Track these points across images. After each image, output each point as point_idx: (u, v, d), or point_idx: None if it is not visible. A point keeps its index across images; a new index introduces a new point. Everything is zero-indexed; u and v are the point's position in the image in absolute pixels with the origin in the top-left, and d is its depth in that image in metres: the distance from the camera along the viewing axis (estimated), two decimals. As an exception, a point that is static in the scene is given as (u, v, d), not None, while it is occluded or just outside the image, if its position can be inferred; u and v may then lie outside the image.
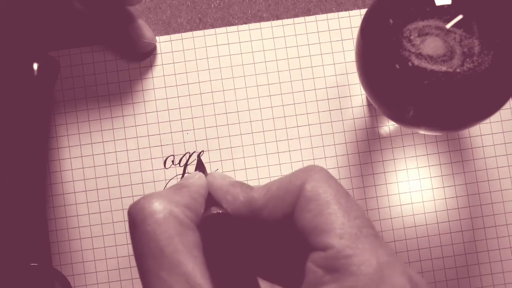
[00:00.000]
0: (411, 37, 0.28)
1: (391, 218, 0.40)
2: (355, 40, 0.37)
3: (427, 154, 0.41)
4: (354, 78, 0.41)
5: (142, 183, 0.40)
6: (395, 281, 0.23)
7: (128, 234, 0.39)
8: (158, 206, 0.25)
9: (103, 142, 0.41)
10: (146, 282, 0.24)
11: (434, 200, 0.40)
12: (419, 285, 0.24)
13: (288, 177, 0.27)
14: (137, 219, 0.25)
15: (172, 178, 0.40)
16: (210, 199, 0.29)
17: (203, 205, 0.28)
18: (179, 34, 0.41)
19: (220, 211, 0.27)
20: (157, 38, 0.41)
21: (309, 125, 0.41)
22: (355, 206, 0.26)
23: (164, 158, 0.40)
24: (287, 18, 0.42)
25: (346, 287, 0.23)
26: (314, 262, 0.24)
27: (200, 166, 0.34)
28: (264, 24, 0.42)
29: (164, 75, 0.41)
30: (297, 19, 0.42)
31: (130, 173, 0.40)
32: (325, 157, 0.40)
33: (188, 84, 0.41)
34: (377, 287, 0.23)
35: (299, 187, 0.26)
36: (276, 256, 0.28)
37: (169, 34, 0.42)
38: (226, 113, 0.41)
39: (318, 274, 0.24)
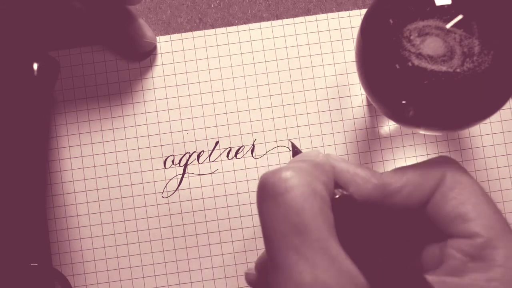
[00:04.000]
0: (411, 37, 0.28)
1: (391, 218, 0.40)
2: (355, 40, 0.37)
3: (427, 154, 0.41)
4: (354, 78, 0.41)
5: (142, 183, 0.40)
6: None
7: (128, 234, 0.39)
8: (302, 180, 0.23)
9: (103, 142, 0.41)
10: (282, 257, 0.22)
11: (434, 200, 0.40)
12: None
13: (425, 165, 0.26)
14: (277, 190, 0.23)
15: (172, 178, 0.40)
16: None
17: (333, 186, 0.26)
18: (179, 34, 0.41)
19: (345, 194, 0.25)
20: (157, 38, 0.41)
21: (309, 125, 0.41)
22: (494, 203, 0.26)
23: (164, 158, 0.40)
24: (287, 18, 0.42)
25: (492, 277, 0.23)
26: (457, 248, 0.24)
27: (295, 149, 0.32)
28: (264, 24, 0.42)
29: (164, 75, 0.41)
30: (297, 19, 0.42)
31: (130, 173, 0.40)
32: (325, 157, 0.40)
33: (188, 84, 0.41)
34: None
35: (440, 174, 0.26)
36: (398, 242, 0.27)
37: (169, 34, 0.42)
38: (226, 113, 0.41)
39: (462, 260, 0.24)
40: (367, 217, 0.24)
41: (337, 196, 0.25)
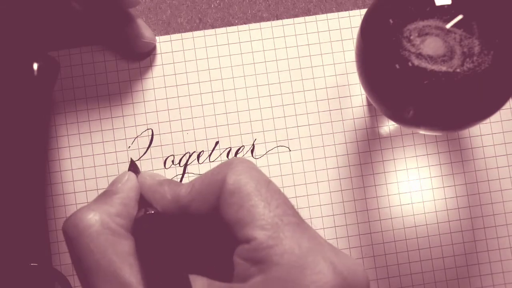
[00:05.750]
0: (411, 37, 0.28)
1: (391, 218, 0.40)
2: (355, 40, 0.37)
3: (427, 154, 0.41)
4: (354, 78, 0.41)
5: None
6: (317, 267, 0.24)
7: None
8: (89, 221, 0.26)
9: (103, 142, 0.41)
10: None
11: (434, 200, 0.40)
12: (344, 272, 0.24)
13: (211, 172, 0.27)
14: (71, 236, 0.26)
15: (172, 178, 0.40)
16: (143, 199, 0.29)
17: (136, 208, 0.28)
18: (179, 34, 0.41)
19: (151, 211, 0.27)
20: (157, 38, 0.41)
21: (309, 125, 0.41)
22: (276, 194, 0.26)
23: (164, 158, 0.40)
24: (287, 18, 0.42)
25: (271, 277, 0.23)
26: (239, 255, 0.25)
27: (133, 166, 0.34)
28: (264, 24, 0.42)
29: (164, 75, 0.41)
30: (297, 19, 0.42)
31: (130, 173, 0.40)
32: (325, 157, 0.40)
33: (188, 84, 0.41)
34: (300, 274, 0.23)
35: (221, 181, 0.26)
36: (210, 251, 0.28)
37: (169, 34, 0.42)
38: (226, 113, 0.41)
39: (245, 266, 0.24)
40: (169, 232, 0.26)
41: (141, 215, 0.27)
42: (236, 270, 0.25)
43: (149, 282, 0.25)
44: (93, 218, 0.26)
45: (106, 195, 0.28)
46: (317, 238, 0.25)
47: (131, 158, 0.40)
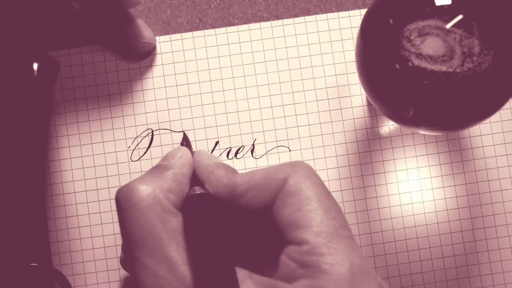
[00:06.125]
0: (411, 37, 0.28)
1: (391, 218, 0.40)
2: (355, 40, 0.37)
3: (427, 154, 0.41)
4: (354, 78, 0.41)
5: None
6: (367, 286, 0.24)
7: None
8: (142, 193, 0.26)
9: (103, 142, 0.41)
10: (132, 267, 0.25)
11: (434, 200, 0.40)
12: None
13: (273, 168, 0.27)
14: (122, 207, 0.26)
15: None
16: (195, 177, 0.29)
17: (187, 186, 0.28)
18: (179, 34, 0.41)
19: (202, 192, 0.27)
20: (157, 38, 0.41)
21: (309, 125, 0.41)
22: (335, 206, 0.26)
23: (164, 158, 0.40)
24: (287, 18, 0.42)
25: (317, 284, 0.23)
26: (288, 255, 0.25)
27: (186, 141, 0.33)
28: (264, 24, 0.42)
29: (164, 75, 0.41)
30: (297, 19, 0.42)
31: (130, 173, 0.40)
32: (325, 157, 0.40)
33: (188, 84, 0.41)
34: None
35: (282, 180, 0.26)
36: (254, 244, 0.28)
37: (169, 34, 0.42)
38: (226, 113, 0.41)
39: (291, 267, 0.24)
40: (218, 216, 0.26)
41: (193, 194, 0.27)
42: (280, 269, 0.25)
43: (194, 262, 0.24)
44: (145, 191, 0.26)
45: (159, 169, 0.28)
46: (365, 259, 0.25)
47: (184, 132, 0.39)
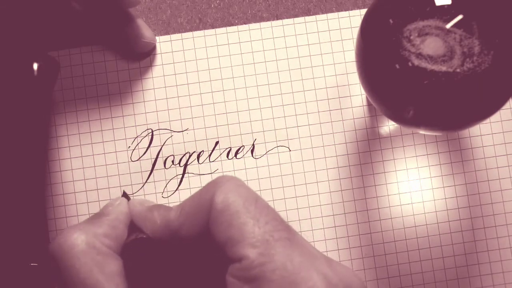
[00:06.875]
0: (411, 37, 0.28)
1: (391, 218, 0.40)
2: (355, 40, 0.37)
3: (427, 154, 0.41)
4: (354, 78, 0.41)
5: (143, 183, 0.40)
6: (310, 281, 0.24)
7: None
8: (75, 240, 0.26)
9: (103, 142, 0.41)
10: None
11: (434, 200, 0.40)
12: (339, 285, 0.24)
13: (199, 193, 0.27)
14: (57, 256, 0.26)
15: (172, 178, 0.40)
16: (134, 225, 0.29)
17: (125, 232, 0.28)
18: (179, 34, 0.41)
19: (142, 236, 0.27)
20: (157, 38, 0.41)
21: (309, 125, 0.41)
22: (265, 210, 0.26)
23: (164, 158, 0.40)
24: (287, 18, 0.42)
25: None
26: (232, 274, 0.25)
27: (125, 195, 0.34)
28: (264, 24, 0.42)
29: (164, 75, 0.41)
30: (297, 19, 0.42)
31: (130, 173, 0.40)
32: (325, 157, 0.40)
33: (188, 84, 0.41)
34: None
35: (209, 201, 0.26)
36: (203, 272, 0.28)
37: (169, 34, 0.42)
38: (226, 113, 0.41)
39: (238, 285, 0.24)
40: (160, 256, 0.27)
41: (131, 239, 0.27)
42: None
43: None
44: (79, 238, 0.26)
45: (95, 217, 0.29)
46: (310, 251, 0.25)
47: (123, 191, 0.40)
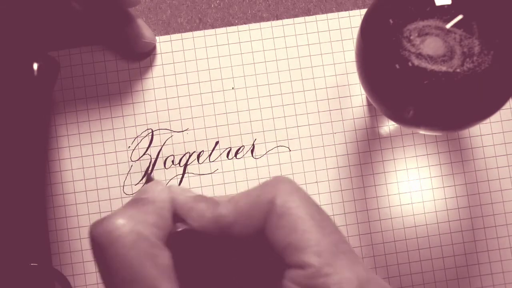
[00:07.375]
0: (411, 37, 0.28)
1: (391, 218, 0.40)
2: (355, 40, 0.37)
3: (427, 154, 0.41)
4: (354, 78, 0.41)
5: (143, 183, 0.40)
6: None
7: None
8: (125, 228, 0.24)
9: (103, 142, 0.41)
10: None
11: (434, 200, 0.40)
12: None
13: (256, 192, 0.26)
14: (103, 243, 0.24)
15: (172, 178, 0.40)
16: (175, 214, 0.27)
17: (171, 222, 0.26)
18: (179, 34, 0.41)
19: (186, 228, 0.26)
20: (157, 38, 0.41)
21: (309, 125, 0.41)
22: (328, 220, 0.25)
23: (164, 158, 0.40)
24: (287, 18, 0.42)
25: None
26: (292, 280, 0.24)
27: (149, 179, 0.33)
28: (264, 24, 0.42)
29: (164, 75, 0.41)
30: (297, 19, 0.42)
31: (130, 173, 0.40)
32: (325, 157, 0.40)
33: (188, 84, 0.41)
34: None
35: (268, 202, 0.25)
36: (251, 270, 0.27)
37: (169, 34, 0.42)
38: (226, 113, 0.41)
39: None
40: (207, 249, 0.25)
41: (177, 231, 0.26)
42: None
43: None
44: (128, 225, 0.24)
45: (140, 203, 0.26)
46: (368, 267, 0.25)
47: (148, 173, 0.39)
